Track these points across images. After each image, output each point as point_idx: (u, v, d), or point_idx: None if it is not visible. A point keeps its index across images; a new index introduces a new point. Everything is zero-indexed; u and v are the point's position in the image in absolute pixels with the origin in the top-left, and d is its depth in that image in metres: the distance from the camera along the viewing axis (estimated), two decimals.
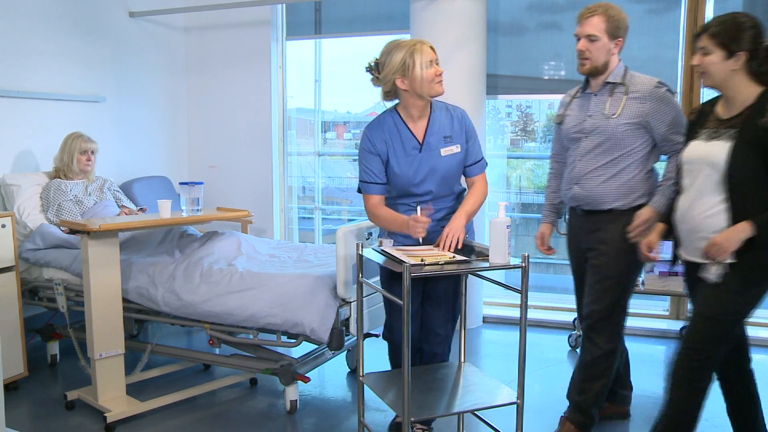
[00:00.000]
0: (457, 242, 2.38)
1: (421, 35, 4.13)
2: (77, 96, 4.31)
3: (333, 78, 5.43)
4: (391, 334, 2.74)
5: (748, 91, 2.14)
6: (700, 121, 2.28)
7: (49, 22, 4.10)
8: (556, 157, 2.88)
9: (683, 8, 4.21)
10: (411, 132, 2.53)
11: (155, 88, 4.99)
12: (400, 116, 2.55)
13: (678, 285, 3.84)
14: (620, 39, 2.55)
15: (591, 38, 2.52)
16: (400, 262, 2.12)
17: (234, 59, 5.11)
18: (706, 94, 3.96)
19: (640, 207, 2.56)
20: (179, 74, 5.21)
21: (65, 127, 3.96)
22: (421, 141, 2.53)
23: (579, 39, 2.56)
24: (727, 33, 2.10)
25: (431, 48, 2.48)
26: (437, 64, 2.47)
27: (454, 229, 2.40)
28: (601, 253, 2.61)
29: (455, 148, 2.54)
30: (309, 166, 5.69)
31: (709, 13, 4.16)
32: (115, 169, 4.52)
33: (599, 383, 2.67)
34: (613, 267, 2.60)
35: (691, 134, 2.30)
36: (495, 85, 4.56)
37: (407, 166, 2.52)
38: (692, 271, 2.30)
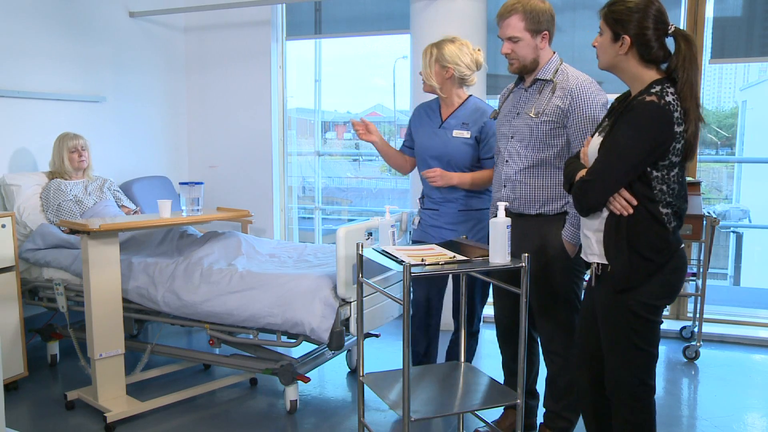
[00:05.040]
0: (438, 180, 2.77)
1: (421, 35, 4.13)
2: (77, 96, 4.31)
3: (333, 78, 5.44)
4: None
5: (642, 80, 1.94)
6: (610, 112, 2.08)
7: (49, 22, 4.10)
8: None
9: (683, 8, 4.21)
10: (440, 114, 2.96)
11: (155, 88, 4.99)
12: (438, 100, 3.00)
13: None
14: (545, 32, 2.45)
15: (513, 40, 2.43)
16: (401, 261, 2.12)
17: (234, 59, 5.12)
18: (707, 94, 3.94)
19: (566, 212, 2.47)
20: (179, 74, 5.21)
21: (65, 127, 3.95)
22: (443, 120, 2.93)
23: (503, 41, 2.47)
24: (614, 14, 1.92)
25: (427, 51, 2.87)
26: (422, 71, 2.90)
27: (442, 172, 2.77)
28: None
29: (466, 134, 2.86)
30: (309, 166, 5.70)
31: (709, 13, 4.16)
32: (115, 169, 4.52)
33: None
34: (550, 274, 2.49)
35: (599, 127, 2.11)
36: (495, 85, 4.56)
37: (426, 137, 2.95)
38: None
